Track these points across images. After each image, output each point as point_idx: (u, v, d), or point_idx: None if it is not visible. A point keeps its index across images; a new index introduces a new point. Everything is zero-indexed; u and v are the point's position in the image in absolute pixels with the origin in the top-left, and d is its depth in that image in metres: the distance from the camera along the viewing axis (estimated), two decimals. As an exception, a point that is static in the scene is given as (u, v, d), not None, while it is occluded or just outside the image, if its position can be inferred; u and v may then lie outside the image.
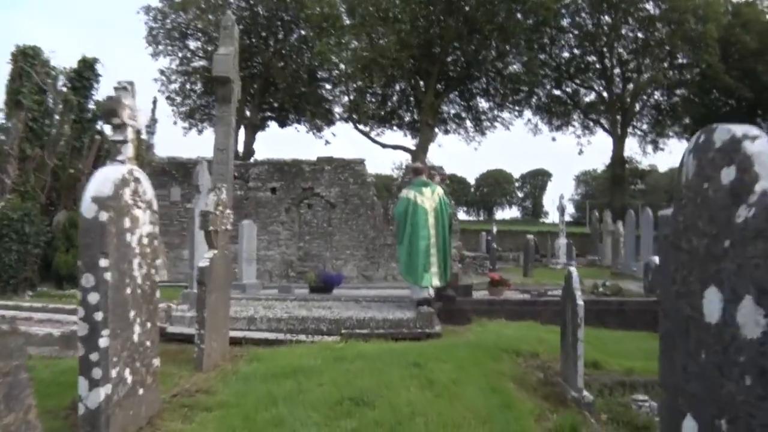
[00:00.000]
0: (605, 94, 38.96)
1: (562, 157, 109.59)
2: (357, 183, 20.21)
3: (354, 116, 37.56)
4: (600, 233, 26.80)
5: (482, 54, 34.82)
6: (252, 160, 20.72)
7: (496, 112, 39.23)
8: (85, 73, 18.00)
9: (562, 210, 26.69)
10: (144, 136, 11.70)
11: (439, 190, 9.50)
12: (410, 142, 40.25)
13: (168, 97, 38.12)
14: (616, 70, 38.12)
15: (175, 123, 39.57)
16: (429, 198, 9.21)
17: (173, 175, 20.78)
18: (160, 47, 36.47)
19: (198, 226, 8.26)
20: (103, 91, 20.27)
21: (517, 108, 39.41)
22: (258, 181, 20.40)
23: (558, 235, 26.78)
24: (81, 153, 16.57)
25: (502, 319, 8.76)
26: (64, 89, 15.11)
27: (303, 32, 36.66)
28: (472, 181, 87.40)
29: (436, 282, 9.01)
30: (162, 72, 37.58)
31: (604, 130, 39.67)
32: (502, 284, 10.25)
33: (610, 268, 22.70)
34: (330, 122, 40.20)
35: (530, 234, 20.81)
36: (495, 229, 28.30)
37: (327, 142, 38.48)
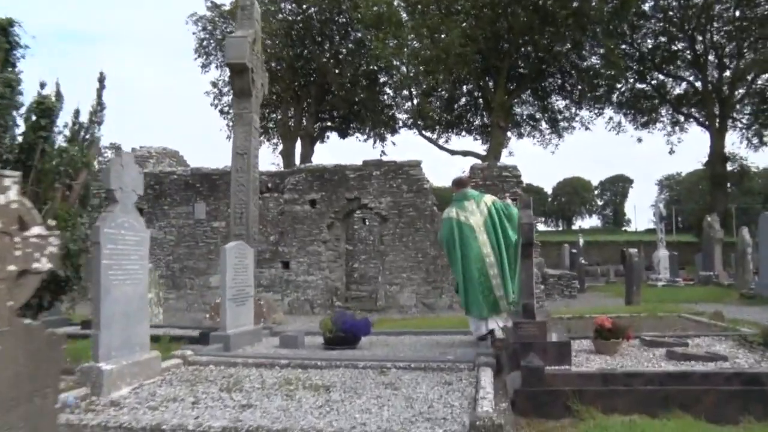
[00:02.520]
0: (698, 84, 33.72)
1: (642, 162, 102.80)
2: (412, 190, 16.30)
3: (419, 122, 33.83)
4: (711, 242, 21.81)
5: (556, 47, 30.41)
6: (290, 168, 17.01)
7: (573, 111, 34.58)
8: None
9: (660, 216, 22.01)
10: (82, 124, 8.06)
11: (488, 199, 8.06)
12: (481, 148, 36.16)
13: (221, 111, 35.27)
14: (710, 57, 32.86)
15: (228, 137, 36.63)
16: (474, 212, 7.87)
17: (197, 188, 17.38)
18: (211, 58, 33.64)
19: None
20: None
21: (597, 105, 34.67)
22: (294, 193, 16.75)
23: (657, 246, 22.08)
24: None
25: (632, 413, 4.68)
26: None
27: (359, 35, 33.17)
28: (549, 190, 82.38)
29: (505, 307, 7.59)
30: (214, 84, 34.77)
31: (699, 124, 34.35)
32: (618, 334, 6.11)
33: (733, 287, 17.77)
34: (393, 130, 36.50)
35: (631, 248, 16.22)
36: (581, 241, 23.76)
37: (383, 153, 34.45)
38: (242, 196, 14.29)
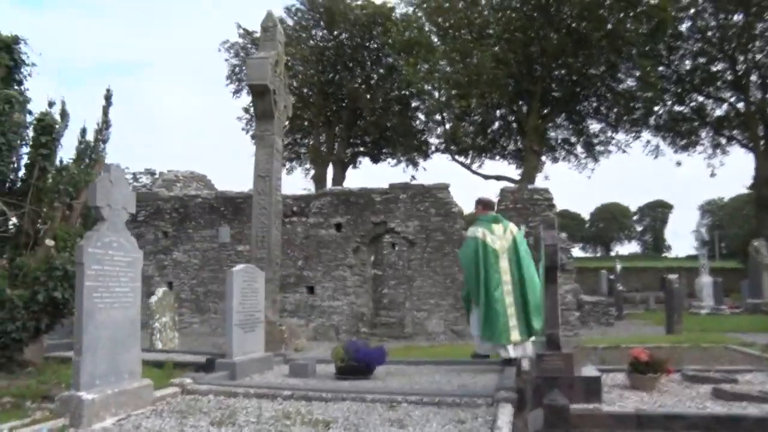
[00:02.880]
0: (740, 105, 32.58)
1: (682, 186, 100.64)
2: (440, 214, 15.75)
3: (451, 146, 33.34)
4: (759, 268, 20.65)
5: (590, 69, 29.73)
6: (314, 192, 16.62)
7: (609, 134, 33.71)
8: None
9: (702, 242, 21.11)
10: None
11: (513, 228, 8.00)
12: (514, 173, 35.45)
13: (252, 136, 35.21)
14: (752, 77, 31.73)
15: (261, 163, 36.52)
16: (501, 237, 7.73)
17: (221, 212, 17.08)
18: (243, 84, 33.66)
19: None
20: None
21: (634, 128, 33.73)
22: (320, 216, 16.33)
23: (699, 272, 21.07)
24: None
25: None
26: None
27: (390, 60, 32.95)
28: (586, 215, 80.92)
29: (516, 337, 7.48)
30: (246, 110, 34.78)
31: (742, 146, 33.13)
32: (656, 368, 5.46)
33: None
34: (425, 155, 36.06)
35: (671, 275, 15.34)
36: (619, 266, 22.84)
37: (413, 178, 33.99)
38: (264, 219, 13.89)
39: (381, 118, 33.85)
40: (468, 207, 16.77)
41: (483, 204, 8.27)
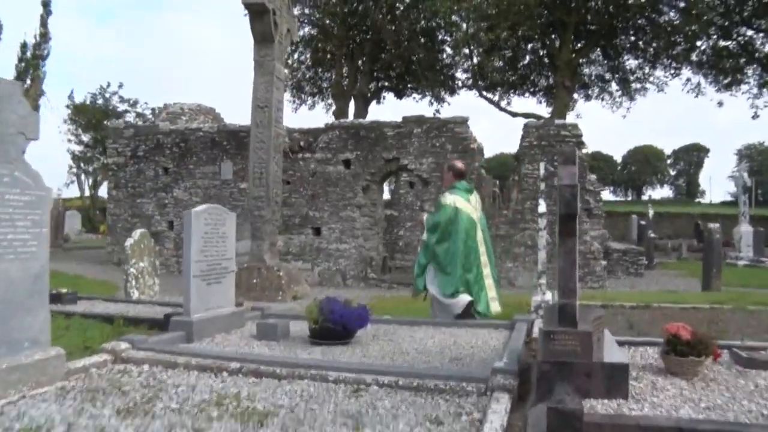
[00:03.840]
0: (793, 40, 30.00)
1: (720, 131, 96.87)
2: (457, 150, 14.36)
3: (479, 81, 31.51)
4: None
5: (629, -1, 27.39)
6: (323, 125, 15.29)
7: (647, 71, 31.44)
8: None
9: (743, 187, 19.31)
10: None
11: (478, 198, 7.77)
12: (545, 110, 33.58)
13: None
14: (809, 8, 29.04)
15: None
16: (475, 208, 7.48)
17: (224, 146, 15.87)
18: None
19: None
20: None
21: (674, 65, 31.39)
22: (327, 152, 15.05)
23: (738, 220, 19.45)
24: None
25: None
26: None
27: (417, -13, 30.86)
28: (618, 157, 78.33)
29: (497, 309, 7.43)
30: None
31: (791, 85, 30.70)
32: (700, 350, 4.17)
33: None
34: (452, 90, 34.27)
35: (710, 223, 13.80)
36: (651, 212, 21.26)
37: (437, 112, 32.24)
38: (262, 153, 12.65)
39: (406, 50, 31.96)
40: (497, 146, 15.32)
41: (455, 171, 7.60)
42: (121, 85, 41.77)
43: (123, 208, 16.80)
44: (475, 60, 31.38)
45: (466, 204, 7.24)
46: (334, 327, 5.76)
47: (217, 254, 6.57)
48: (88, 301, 8.48)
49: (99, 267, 16.56)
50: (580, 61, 30.66)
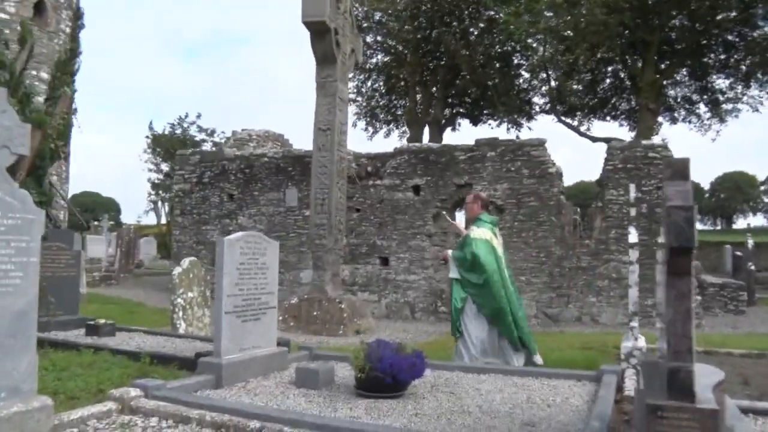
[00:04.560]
0: None
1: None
2: (534, 175, 13.26)
3: (557, 106, 30.19)
4: None
5: (719, 14, 25.57)
6: (393, 149, 14.52)
7: (740, 90, 29.27)
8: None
9: None
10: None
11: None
12: (627, 135, 31.83)
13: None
14: None
15: (354, 125, 34.79)
16: (499, 243, 6.73)
17: (289, 172, 15.30)
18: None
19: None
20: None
21: (770, 83, 29.12)
22: (395, 177, 14.23)
23: None
24: None
25: None
26: None
27: (491, 13, 29.99)
28: (705, 185, 74.39)
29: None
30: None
31: None
32: None
33: None
34: (529, 116, 33.03)
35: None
36: (751, 242, 19.35)
37: (517, 137, 30.99)
38: (324, 179, 11.91)
39: (481, 76, 31.06)
40: (577, 174, 14.11)
41: (483, 202, 7.08)
42: (199, 116, 42.48)
43: (188, 234, 16.46)
44: (552, 84, 30.17)
45: (494, 238, 6.68)
46: (383, 377, 4.83)
47: (256, 288, 5.78)
48: (127, 333, 7.87)
49: (164, 294, 16.18)
50: (665, 82, 28.90)
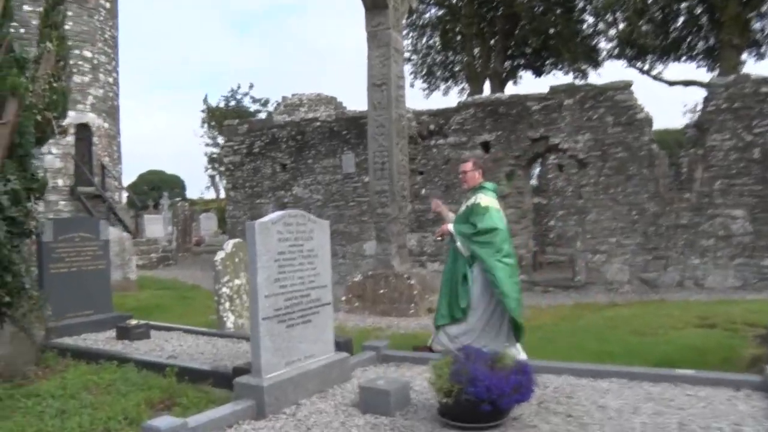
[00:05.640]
0: None
1: None
2: (620, 123, 11.54)
3: (626, 50, 27.77)
4: None
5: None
6: (456, 104, 12.99)
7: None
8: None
9: None
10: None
11: None
12: (706, 76, 29.15)
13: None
14: None
15: (412, 85, 33.17)
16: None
17: (344, 136, 13.96)
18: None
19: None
20: None
21: None
22: (461, 134, 12.73)
23: None
24: None
25: None
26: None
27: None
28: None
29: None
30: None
31: None
32: None
33: None
34: (595, 63, 30.63)
35: None
36: None
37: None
38: (383, 140, 10.49)
39: (542, 23, 28.86)
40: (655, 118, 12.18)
41: (481, 168, 5.97)
42: (251, 86, 41.43)
43: (242, 209, 15.39)
44: (620, 26, 27.74)
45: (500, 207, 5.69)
46: (478, 403, 3.47)
47: (302, 282, 4.48)
48: (164, 333, 6.73)
49: (222, 274, 15.29)
50: (750, 15, 26.10)
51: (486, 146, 12.54)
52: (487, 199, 5.53)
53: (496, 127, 12.40)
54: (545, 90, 12.30)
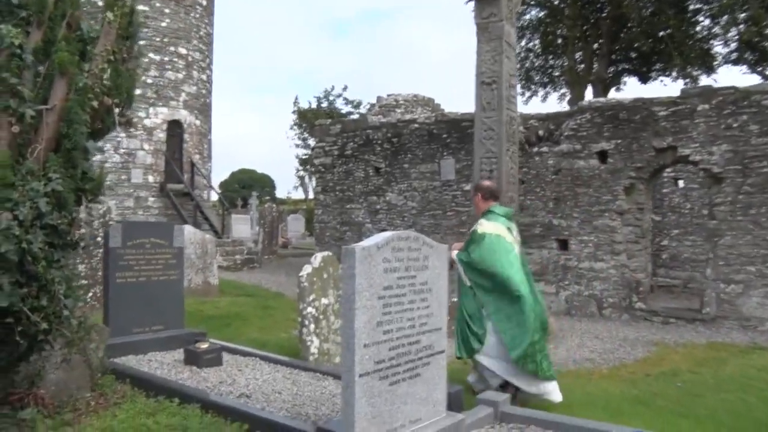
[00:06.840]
0: None
1: None
2: (766, 133, 9.85)
3: (746, 54, 25.37)
4: None
5: None
6: (571, 108, 11.62)
7: None
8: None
9: None
10: None
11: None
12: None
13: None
14: None
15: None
16: (515, 240, 5.47)
17: (443, 140, 12.82)
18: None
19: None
20: None
21: None
22: (575, 141, 11.34)
23: None
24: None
25: None
26: None
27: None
28: None
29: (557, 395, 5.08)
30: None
31: None
32: None
33: None
34: (709, 69, 28.21)
35: None
36: None
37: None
38: (491, 145, 9.26)
39: (651, 25, 26.76)
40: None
41: (484, 192, 5.70)
42: (345, 88, 40.92)
43: (331, 214, 14.50)
44: (740, 27, 25.34)
45: (507, 234, 5.37)
46: None
47: (412, 325, 3.38)
48: (242, 357, 5.78)
49: (308, 281, 14.43)
50: None
51: (603, 156, 11.10)
52: (486, 225, 5.33)
53: (615, 135, 10.95)
54: (675, 93, 10.77)
